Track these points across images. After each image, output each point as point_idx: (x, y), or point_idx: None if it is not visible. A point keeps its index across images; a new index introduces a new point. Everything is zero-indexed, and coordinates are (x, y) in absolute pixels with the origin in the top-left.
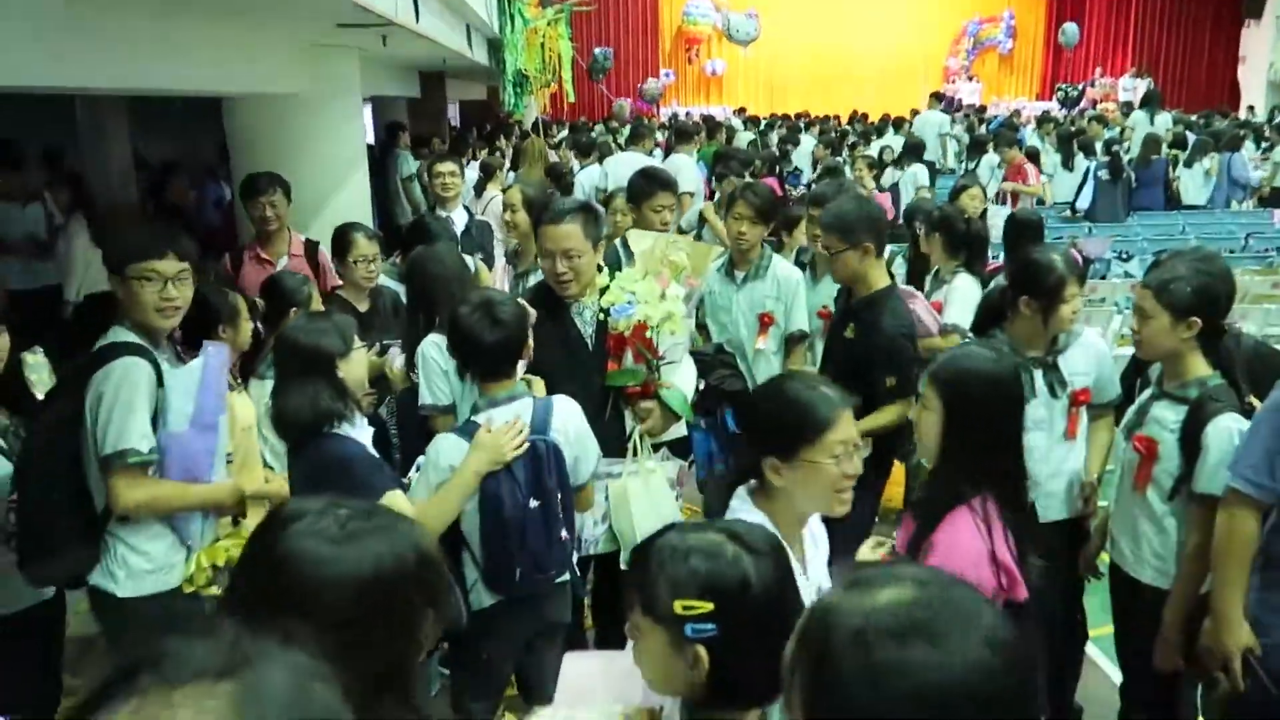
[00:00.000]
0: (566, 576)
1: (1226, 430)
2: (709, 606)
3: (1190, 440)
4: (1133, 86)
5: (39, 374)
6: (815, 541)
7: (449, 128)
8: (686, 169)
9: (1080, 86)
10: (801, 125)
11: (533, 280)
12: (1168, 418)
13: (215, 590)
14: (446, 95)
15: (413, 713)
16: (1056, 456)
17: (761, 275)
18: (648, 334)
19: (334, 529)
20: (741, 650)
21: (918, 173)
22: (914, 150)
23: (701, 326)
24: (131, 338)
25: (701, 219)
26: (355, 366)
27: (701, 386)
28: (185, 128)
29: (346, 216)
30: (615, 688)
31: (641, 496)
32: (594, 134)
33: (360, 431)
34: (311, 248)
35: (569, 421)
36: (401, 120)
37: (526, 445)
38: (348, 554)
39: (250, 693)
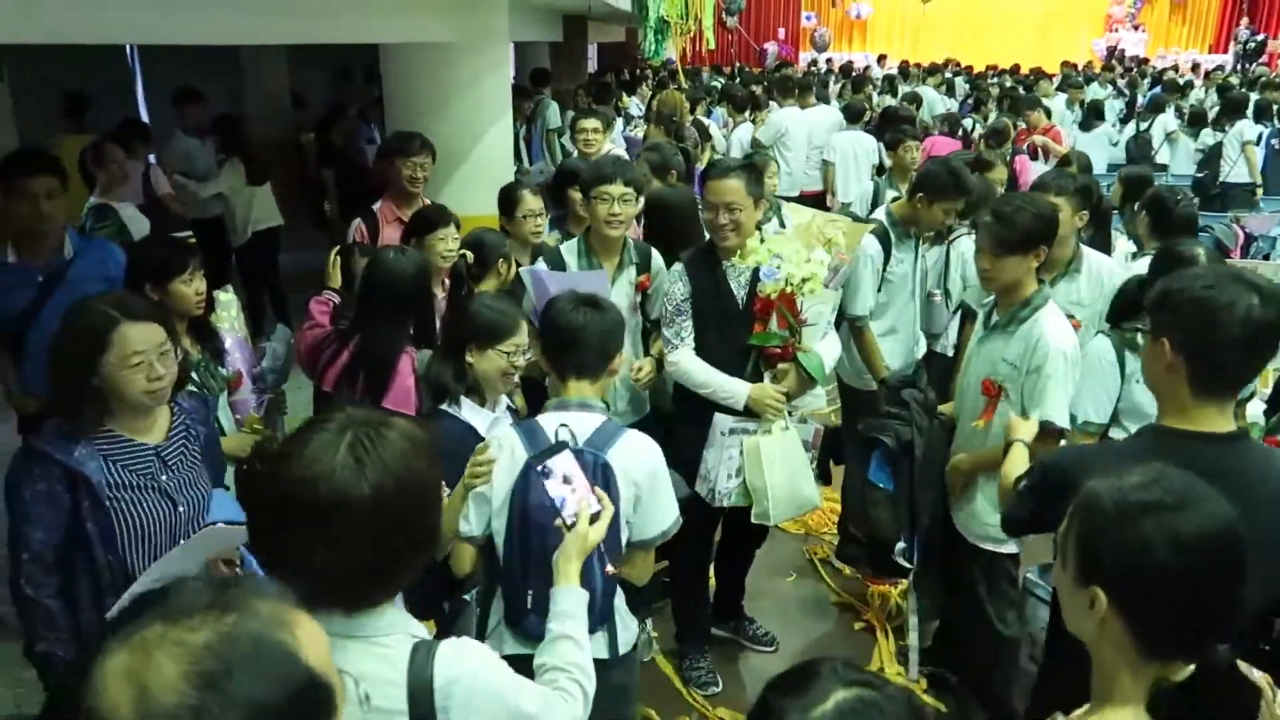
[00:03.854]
0: (604, 648)
1: None
2: None
3: None
4: None
5: (228, 311)
6: None
7: (587, 72)
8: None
9: (1263, 37)
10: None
11: None
12: None
13: None
14: (587, 38)
15: None
16: None
17: (1014, 325)
18: (794, 296)
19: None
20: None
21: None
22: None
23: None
24: None
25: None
26: (489, 360)
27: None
28: (339, 67)
29: (491, 166)
30: None
31: (775, 454)
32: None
33: (477, 413)
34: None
35: (639, 456)
36: (545, 66)
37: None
38: None
39: (221, 638)
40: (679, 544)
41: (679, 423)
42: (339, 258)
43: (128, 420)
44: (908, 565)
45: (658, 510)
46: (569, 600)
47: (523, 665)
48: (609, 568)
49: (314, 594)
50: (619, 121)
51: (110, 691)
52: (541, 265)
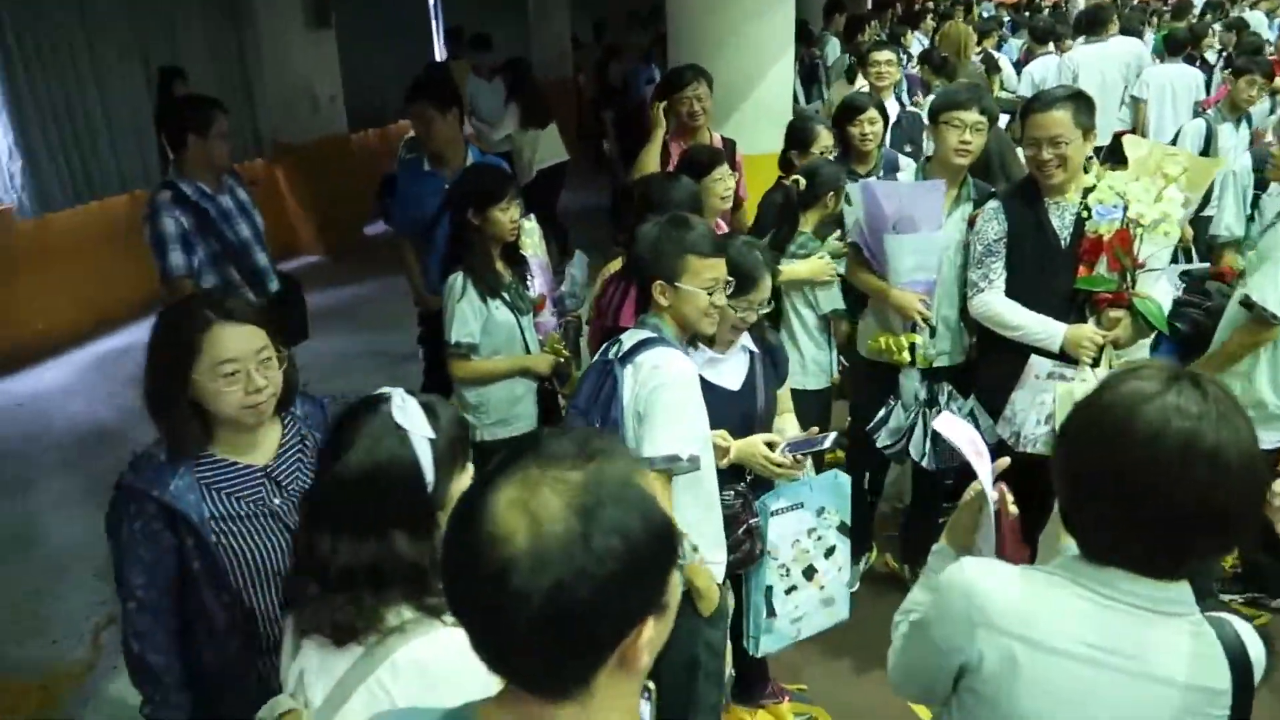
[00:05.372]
0: None
1: None
2: None
3: None
4: None
5: (531, 238)
6: None
7: (867, 6)
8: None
9: None
10: None
11: None
12: None
13: None
14: None
15: None
16: None
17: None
18: (1132, 237)
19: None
20: None
21: None
22: None
23: None
24: None
25: None
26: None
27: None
28: (619, 9)
29: (771, 104)
30: None
31: None
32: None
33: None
34: (730, 146)
35: (653, 366)
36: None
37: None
38: None
39: (593, 477)
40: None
41: (982, 365)
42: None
43: (230, 439)
44: None
45: (651, 429)
46: None
47: None
48: None
49: (1133, 548)
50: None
51: (505, 520)
52: (872, 179)
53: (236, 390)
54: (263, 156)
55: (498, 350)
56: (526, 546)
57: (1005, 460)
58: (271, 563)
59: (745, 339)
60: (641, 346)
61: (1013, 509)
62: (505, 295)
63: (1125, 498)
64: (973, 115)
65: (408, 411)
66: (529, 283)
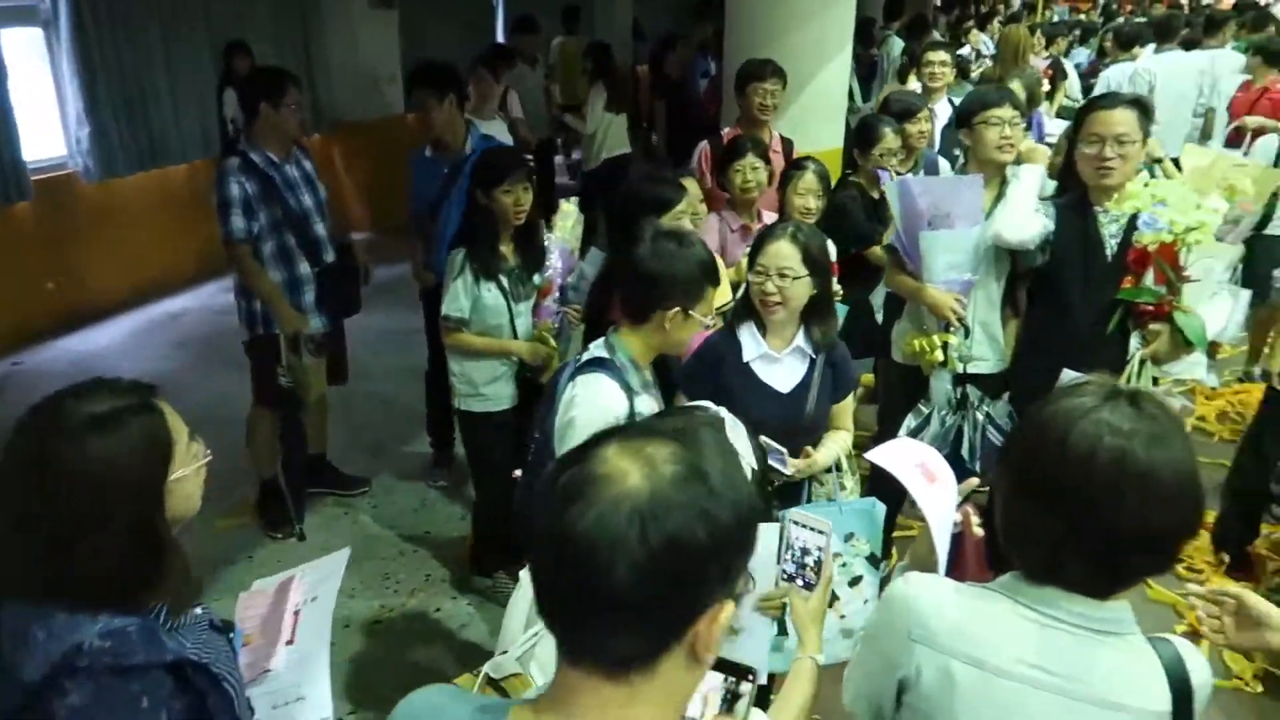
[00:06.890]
0: None
1: None
2: None
3: None
4: None
5: (565, 221)
6: None
7: (933, 5)
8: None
9: None
10: None
11: None
12: None
13: None
14: None
15: None
16: None
17: None
18: (1177, 249)
19: None
20: None
21: None
22: None
23: None
24: None
25: None
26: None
27: None
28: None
29: (826, 101)
30: None
31: None
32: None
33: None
34: (788, 145)
35: (576, 407)
36: None
37: None
38: None
39: (694, 437)
40: None
41: (1015, 372)
42: None
43: None
44: None
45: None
46: None
47: None
48: None
49: (1072, 567)
50: None
51: (617, 462)
52: (909, 175)
53: (201, 473)
54: (320, 132)
55: (485, 330)
56: (643, 485)
57: (973, 480)
58: (235, 671)
59: (803, 342)
60: (588, 366)
61: (977, 530)
62: (501, 280)
63: (1063, 516)
64: (1009, 111)
65: (740, 437)
66: (546, 267)
